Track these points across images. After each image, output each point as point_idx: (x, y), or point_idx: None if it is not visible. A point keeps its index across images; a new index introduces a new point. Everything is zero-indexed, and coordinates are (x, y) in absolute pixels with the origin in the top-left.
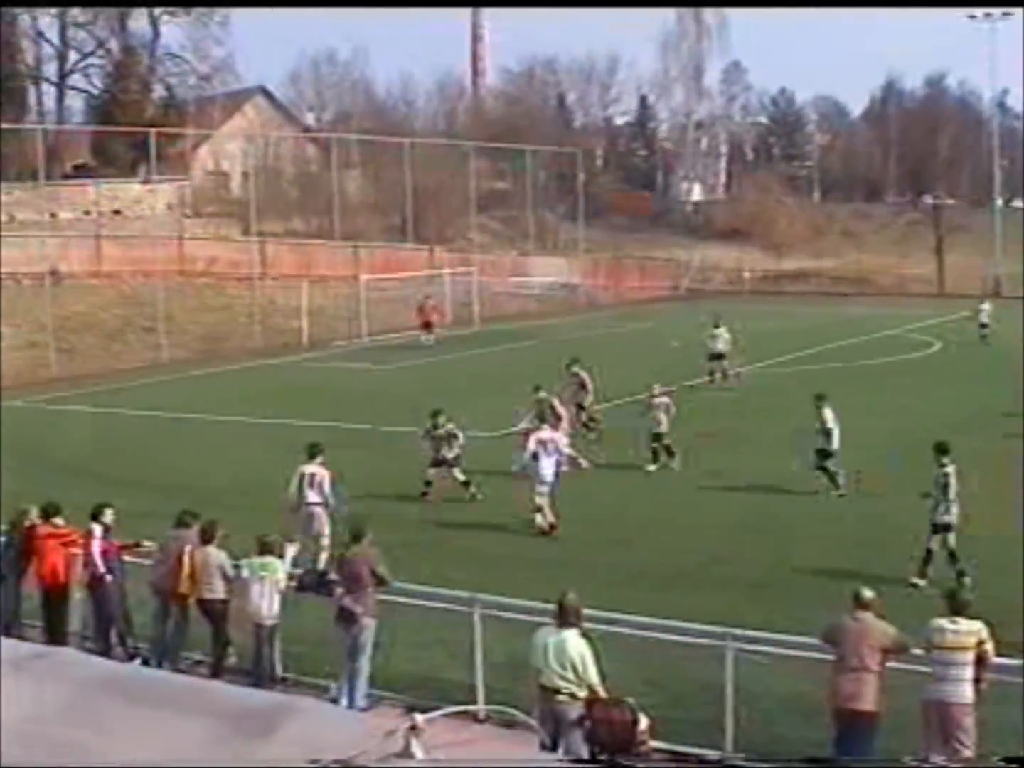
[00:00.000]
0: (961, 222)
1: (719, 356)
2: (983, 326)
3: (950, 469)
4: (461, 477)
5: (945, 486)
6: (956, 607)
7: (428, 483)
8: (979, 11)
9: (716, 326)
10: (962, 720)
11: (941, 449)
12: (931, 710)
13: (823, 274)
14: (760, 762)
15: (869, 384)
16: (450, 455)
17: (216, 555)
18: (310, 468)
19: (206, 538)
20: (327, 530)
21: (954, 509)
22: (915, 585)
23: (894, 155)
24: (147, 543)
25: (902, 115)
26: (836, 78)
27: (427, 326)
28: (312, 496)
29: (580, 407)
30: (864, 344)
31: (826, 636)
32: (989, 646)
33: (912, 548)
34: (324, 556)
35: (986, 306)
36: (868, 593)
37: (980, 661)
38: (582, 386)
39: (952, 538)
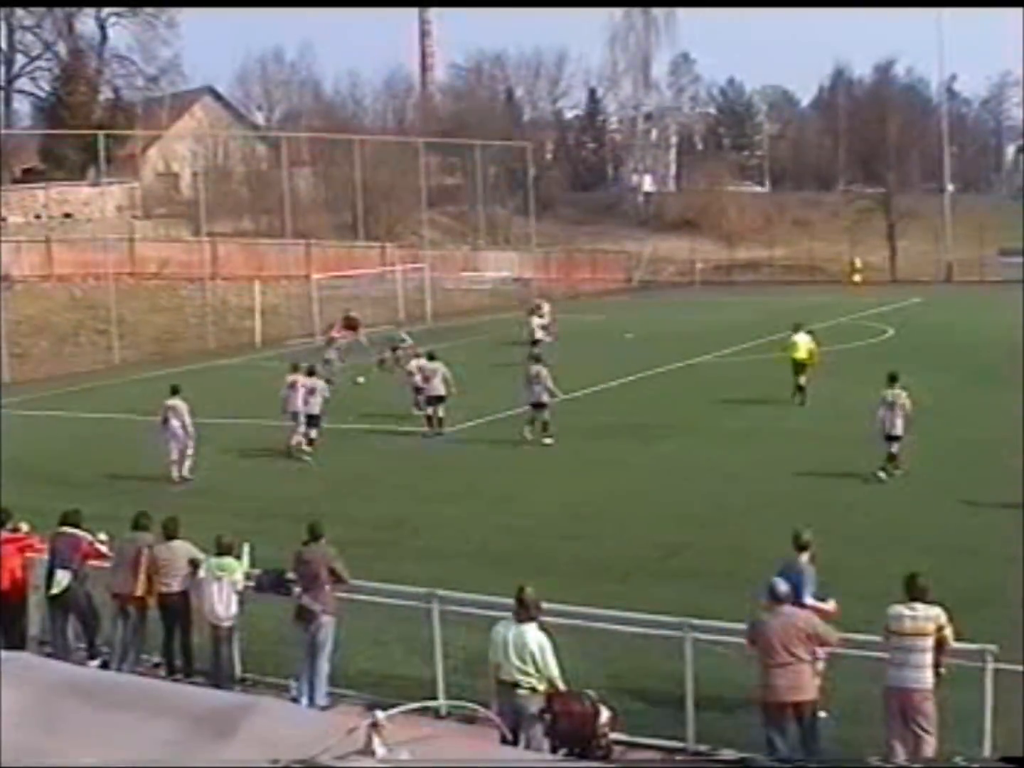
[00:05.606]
0: (912, 208)
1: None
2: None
3: (894, 393)
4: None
5: (892, 404)
6: (914, 593)
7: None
8: None
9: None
10: (923, 705)
11: (892, 378)
12: (892, 696)
13: (775, 263)
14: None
15: (825, 372)
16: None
17: (183, 546)
18: (171, 401)
19: (169, 534)
20: (191, 442)
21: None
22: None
23: (844, 143)
24: (102, 536)
25: (851, 103)
26: (785, 67)
27: (337, 338)
28: (175, 422)
29: None
30: (818, 333)
31: (751, 637)
32: (948, 631)
33: (866, 533)
34: (188, 463)
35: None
36: (783, 587)
37: (939, 646)
38: None
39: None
